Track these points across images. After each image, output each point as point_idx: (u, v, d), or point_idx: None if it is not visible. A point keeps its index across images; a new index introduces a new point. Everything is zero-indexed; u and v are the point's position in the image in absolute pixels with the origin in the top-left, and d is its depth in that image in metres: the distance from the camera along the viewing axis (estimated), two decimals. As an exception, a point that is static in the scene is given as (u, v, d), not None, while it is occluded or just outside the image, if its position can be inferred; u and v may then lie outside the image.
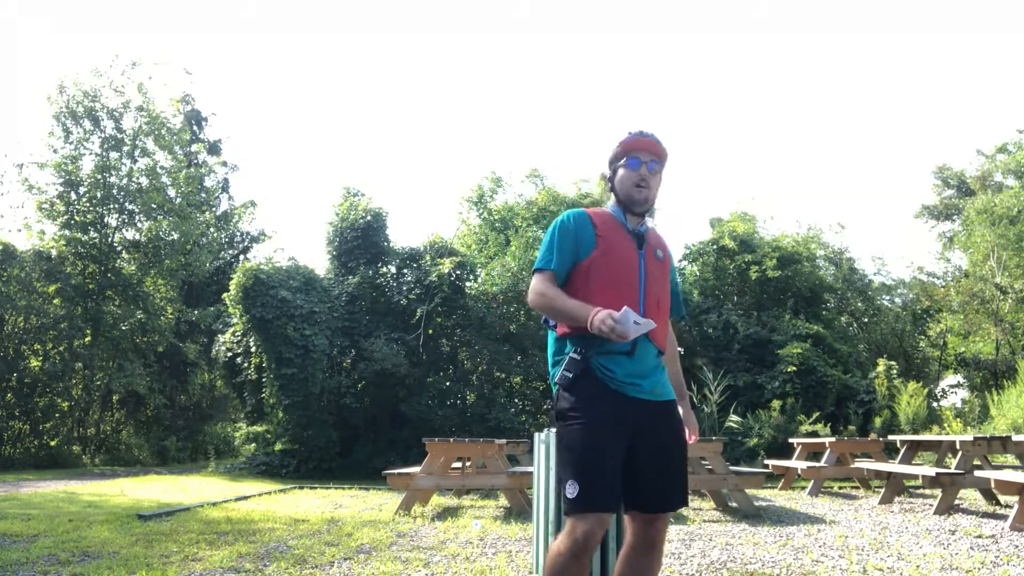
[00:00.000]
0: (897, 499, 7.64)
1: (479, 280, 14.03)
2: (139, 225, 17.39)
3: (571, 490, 2.09)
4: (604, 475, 2.10)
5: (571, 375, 2.19)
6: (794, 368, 12.46)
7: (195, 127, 21.82)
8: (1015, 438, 6.17)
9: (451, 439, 7.02)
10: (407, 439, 12.42)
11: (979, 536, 5.07)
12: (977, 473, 6.34)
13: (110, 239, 16.90)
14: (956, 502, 6.97)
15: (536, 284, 2.28)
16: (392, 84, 56.47)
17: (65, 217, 16.28)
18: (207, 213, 19.33)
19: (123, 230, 17.31)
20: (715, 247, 15.10)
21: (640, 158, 2.31)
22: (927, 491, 8.63)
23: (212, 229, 19.71)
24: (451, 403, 13.45)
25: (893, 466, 7.44)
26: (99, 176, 16.31)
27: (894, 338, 15.64)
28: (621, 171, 2.34)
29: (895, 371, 12.29)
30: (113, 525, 5.59)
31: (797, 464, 8.85)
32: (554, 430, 2.50)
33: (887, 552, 4.51)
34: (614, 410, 2.17)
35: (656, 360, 2.32)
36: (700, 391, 12.38)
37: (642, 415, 2.21)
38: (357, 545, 4.78)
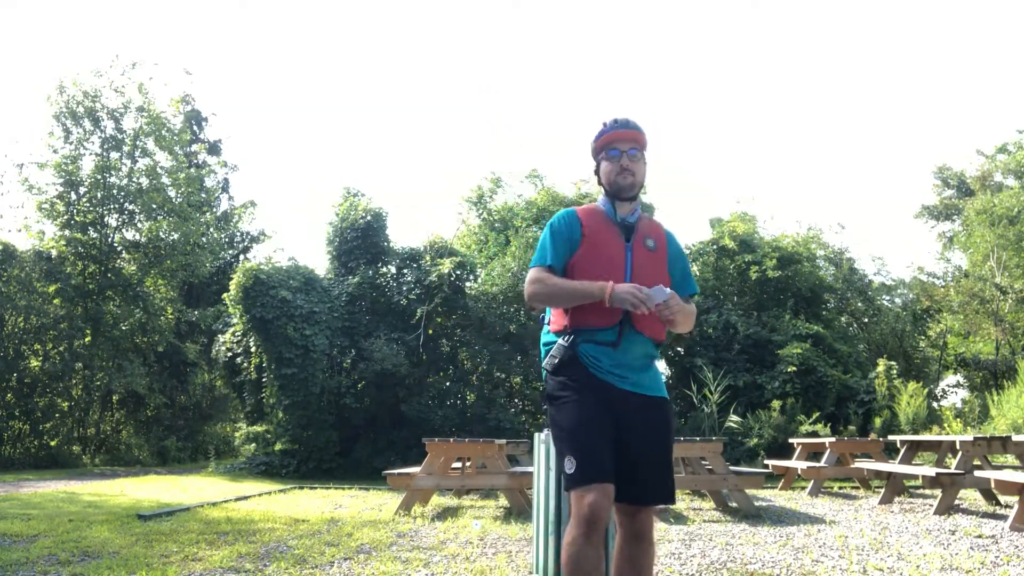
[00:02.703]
0: (897, 499, 7.64)
1: (479, 280, 14.02)
2: (139, 225, 17.39)
3: (569, 466, 2.13)
4: (598, 447, 2.15)
5: (557, 359, 2.27)
6: (794, 368, 12.45)
7: (195, 127, 21.82)
8: (1015, 438, 6.17)
9: (451, 439, 7.02)
10: (407, 439, 12.41)
11: (979, 536, 5.07)
12: (977, 473, 6.34)
13: (110, 239, 16.90)
14: (956, 502, 6.97)
15: (531, 275, 2.35)
16: (392, 84, 56.49)
17: (65, 217, 16.29)
18: (207, 213, 19.33)
19: (123, 230, 17.32)
20: (715, 247, 15.09)
21: (619, 147, 2.39)
22: (927, 491, 8.63)
23: (212, 229, 19.71)
24: (451, 403, 13.45)
25: (893, 466, 7.44)
26: (99, 176, 16.32)
27: (894, 338, 15.64)
28: (604, 163, 2.43)
29: (895, 371, 12.29)
30: (113, 525, 5.58)
31: (797, 464, 8.85)
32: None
33: (887, 552, 4.51)
34: (601, 393, 2.23)
35: (646, 355, 2.33)
36: (700, 391, 12.37)
37: (628, 408, 2.24)
38: (357, 545, 4.78)
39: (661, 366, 15.98)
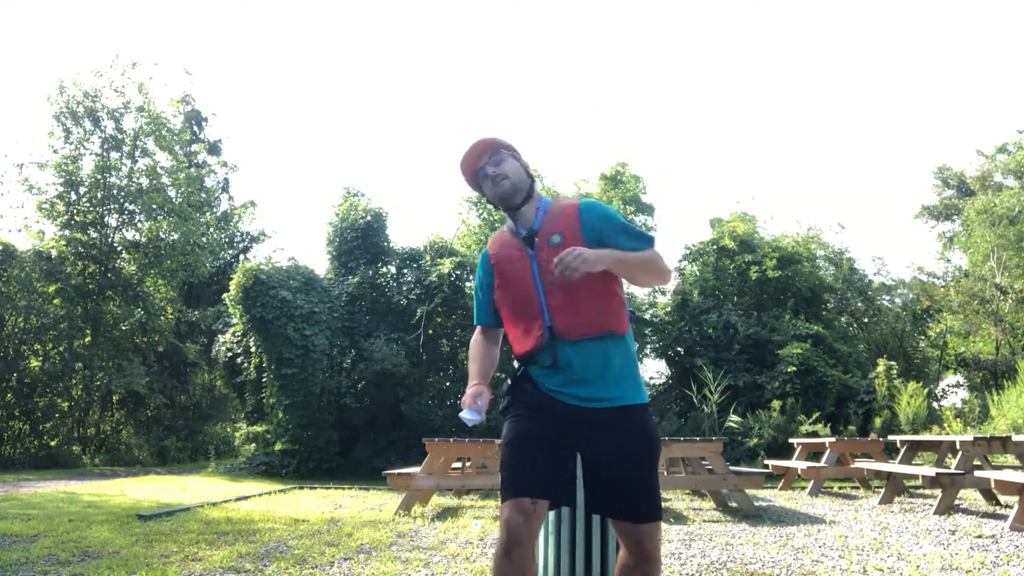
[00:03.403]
0: (897, 499, 7.64)
1: (479, 280, 14.01)
2: (139, 225, 17.40)
3: (500, 481, 2.16)
4: (523, 462, 2.10)
5: (510, 382, 2.27)
6: (794, 368, 12.45)
7: (195, 127, 21.84)
8: (1015, 438, 6.17)
9: (451, 439, 7.01)
10: (407, 439, 12.42)
11: (979, 536, 5.07)
12: (977, 473, 6.34)
13: (110, 239, 16.91)
14: (956, 502, 6.97)
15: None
16: (392, 84, 56.51)
17: (65, 217, 16.29)
18: (207, 213, 19.34)
19: (123, 230, 17.34)
20: (715, 247, 15.10)
21: (480, 164, 2.34)
22: (927, 491, 8.63)
23: (212, 229, 19.72)
24: (451, 403, 13.45)
25: (893, 466, 7.44)
26: (99, 176, 16.32)
27: (894, 338, 15.65)
28: (483, 188, 2.37)
29: (895, 371, 12.29)
30: (113, 525, 5.58)
31: (797, 464, 8.85)
32: None
33: (887, 552, 4.51)
34: (547, 406, 2.16)
35: (602, 360, 2.15)
36: (700, 391, 12.38)
37: (586, 422, 2.14)
38: (357, 545, 4.78)
39: (660, 366, 16.06)
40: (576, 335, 2.15)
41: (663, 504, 7.56)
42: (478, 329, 2.46)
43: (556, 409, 2.16)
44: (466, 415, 2.19)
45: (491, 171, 2.29)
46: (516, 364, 2.30)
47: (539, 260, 2.21)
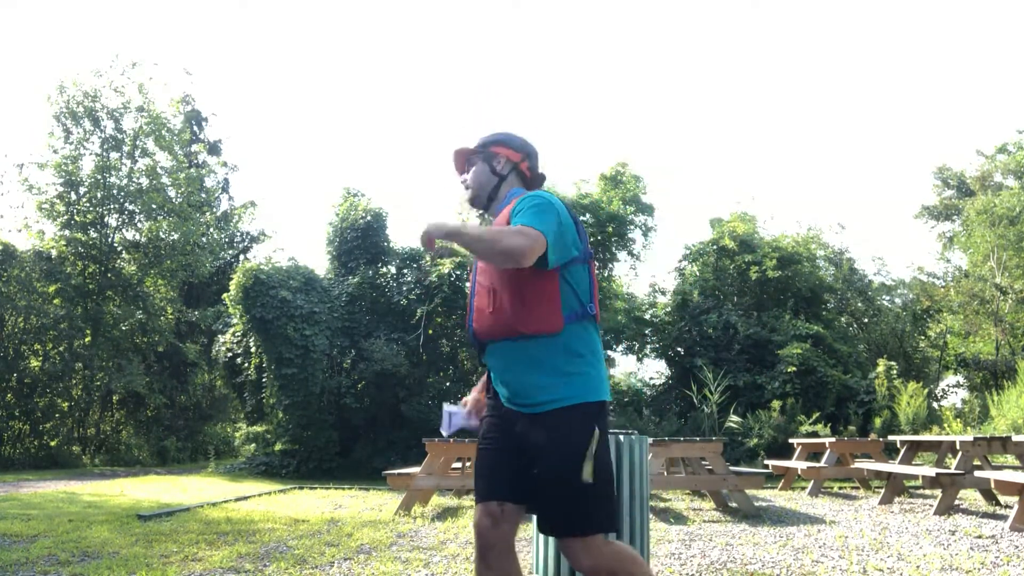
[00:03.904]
0: (897, 499, 7.64)
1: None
2: (139, 225, 17.41)
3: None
4: (487, 466, 2.14)
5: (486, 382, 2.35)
6: (794, 368, 12.45)
7: (195, 127, 21.83)
8: (1015, 438, 6.17)
9: (451, 439, 7.00)
10: (407, 439, 12.42)
11: (979, 536, 5.07)
12: (977, 473, 6.34)
13: (110, 239, 16.91)
14: (956, 502, 6.97)
15: None
16: (392, 84, 56.53)
17: (65, 217, 16.30)
18: (207, 214, 19.34)
19: (123, 230, 17.34)
20: (715, 247, 15.10)
21: (456, 170, 2.48)
22: (927, 491, 8.63)
23: (212, 229, 19.72)
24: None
25: (893, 466, 7.44)
26: (99, 176, 16.32)
27: (894, 338, 15.64)
28: None
29: (895, 371, 12.28)
30: (113, 525, 5.58)
31: (797, 464, 8.85)
32: None
33: (887, 552, 4.51)
34: (502, 410, 2.18)
35: (514, 364, 2.09)
36: (700, 391, 12.38)
37: (519, 424, 2.09)
38: (357, 545, 4.78)
39: (660, 366, 16.03)
40: (489, 336, 2.13)
41: (663, 504, 7.56)
42: None
43: (505, 409, 2.15)
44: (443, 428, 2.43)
45: (460, 179, 2.43)
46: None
47: (478, 261, 2.22)
